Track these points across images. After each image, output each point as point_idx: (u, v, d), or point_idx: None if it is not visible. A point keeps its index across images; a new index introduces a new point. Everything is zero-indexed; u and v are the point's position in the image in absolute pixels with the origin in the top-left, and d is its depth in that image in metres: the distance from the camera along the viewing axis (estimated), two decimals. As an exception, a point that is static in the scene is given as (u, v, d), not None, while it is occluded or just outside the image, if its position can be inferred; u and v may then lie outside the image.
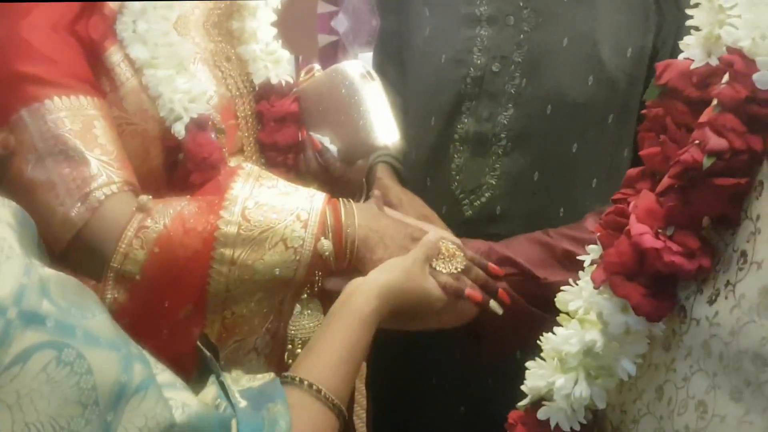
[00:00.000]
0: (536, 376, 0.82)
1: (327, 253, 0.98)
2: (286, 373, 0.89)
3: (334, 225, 1.00)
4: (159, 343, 0.94)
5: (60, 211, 0.95)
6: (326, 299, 1.04)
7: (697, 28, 0.71)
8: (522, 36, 1.21)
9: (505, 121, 1.23)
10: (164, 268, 0.94)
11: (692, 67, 0.69)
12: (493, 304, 1.03)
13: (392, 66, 1.41)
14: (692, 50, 0.70)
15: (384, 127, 1.12)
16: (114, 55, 1.04)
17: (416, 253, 1.00)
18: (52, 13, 0.98)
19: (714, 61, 0.68)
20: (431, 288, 1.01)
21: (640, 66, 1.18)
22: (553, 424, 0.79)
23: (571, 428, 0.78)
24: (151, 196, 0.98)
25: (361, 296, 0.94)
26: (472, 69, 1.24)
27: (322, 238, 0.98)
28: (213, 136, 1.07)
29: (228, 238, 0.95)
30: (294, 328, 1.03)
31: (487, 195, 1.26)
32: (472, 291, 1.03)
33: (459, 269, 1.04)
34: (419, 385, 1.37)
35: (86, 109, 0.98)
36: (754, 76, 0.61)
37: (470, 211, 1.27)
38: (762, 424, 0.61)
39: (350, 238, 1.01)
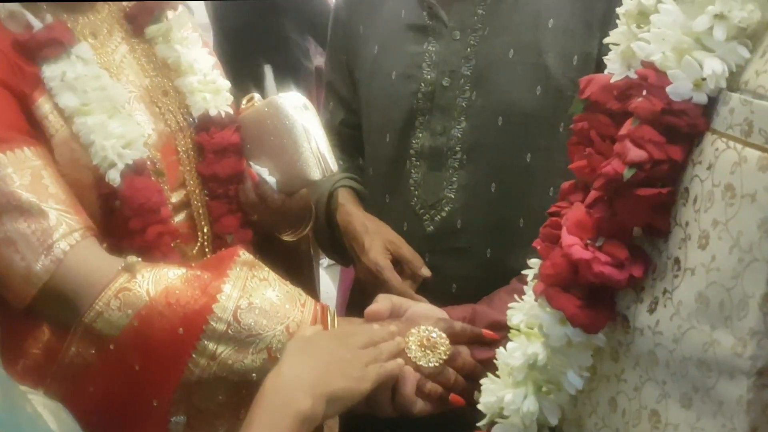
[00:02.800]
0: (489, 392, 0.82)
1: None
2: None
3: None
4: (120, 418, 0.95)
5: (21, 267, 0.94)
6: None
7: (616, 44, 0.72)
8: (469, 50, 1.22)
9: (458, 134, 1.23)
10: (141, 342, 0.92)
11: (612, 80, 0.71)
12: (477, 396, 0.92)
13: (343, 83, 1.41)
14: (612, 65, 0.72)
15: (320, 160, 1.12)
16: (43, 107, 1.02)
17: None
18: None
19: (633, 75, 0.69)
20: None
21: (586, 72, 1.16)
22: (507, 442, 0.79)
23: (526, 446, 0.78)
24: (140, 259, 0.97)
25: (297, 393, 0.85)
26: (422, 84, 1.25)
27: None
28: (151, 179, 1.05)
29: (215, 334, 0.94)
30: None
31: (446, 209, 1.26)
32: (456, 397, 0.99)
33: (443, 360, 1.00)
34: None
35: (31, 160, 0.97)
36: (668, 89, 0.62)
37: (431, 227, 1.27)
38: (714, 429, 0.62)
39: None
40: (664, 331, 0.65)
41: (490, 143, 1.22)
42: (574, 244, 0.68)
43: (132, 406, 0.95)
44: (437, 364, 1.00)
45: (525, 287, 0.84)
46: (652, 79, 0.63)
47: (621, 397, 0.73)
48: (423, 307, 1.10)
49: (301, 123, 1.12)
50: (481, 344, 1.03)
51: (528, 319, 0.77)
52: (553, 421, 0.79)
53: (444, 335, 1.02)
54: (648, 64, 0.64)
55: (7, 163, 0.94)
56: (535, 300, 0.75)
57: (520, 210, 1.24)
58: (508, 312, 0.84)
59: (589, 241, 0.68)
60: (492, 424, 0.83)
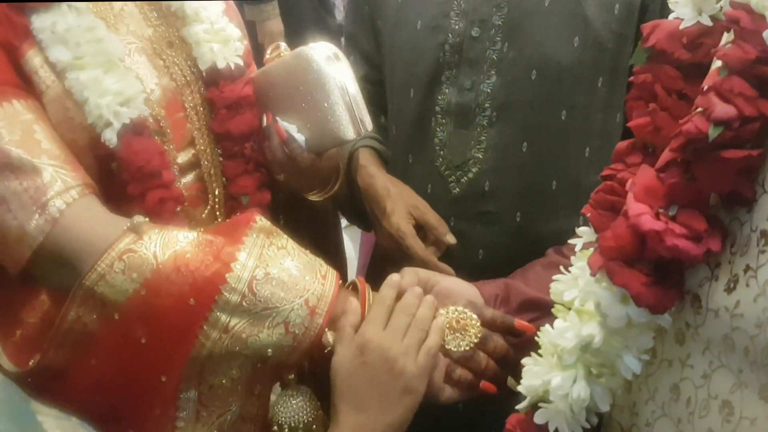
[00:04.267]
0: (532, 374, 0.75)
1: (330, 348, 0.92)
2: None
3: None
4: (126, 394, 0.90)
5: (14, 227, 0.87)
6: (316, 382, 0.99)
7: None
8: None
9: (488, 90, 1.14)
10: (148, 311, 0.86)
11: (682, 27, 0.63)
12: (511, 382, 0.88)
13: (365, 36, 1.32)
14: (681, 9, 0.63)
15: (354, 117, 1.02)
16: (32, 60, 0.94)
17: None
18: None
19: (705, 20, 0.61)
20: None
21: (628, 23, 1.10)
22: (552, 429, 0.72)
23: (572, 433, 0.71)
24: (147, 219, 0.91)
25: None
26: (450, 35, 1.16)
27: (327, 331, 0.93)
28: (152, 139, 0.97)
29: (228, 305, 0.88)
30: (282, 413, 0.96)
31: (474, 170, 1.17)
32: (487, 384, 0.95)
33: (473, 343, 0.95)
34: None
35: (22, 114, 0.90)
36: (765, 33, 0.53)
37: (457, 189, 1.19)
38: (801, 427, 0.55)
39: None
40: (746, 314, 0.57)
41: (523, 100, 1.13)
42: (642, 213, 0.59)
43: (138, 381, 0.90)
44: (467, 348, 0.95)
45: (572, 258, 0.76)
46: (746, 22, 0.54)
47: (686, 384, 0.65)
48: (452, 281, 1.03)
49: (333, 76, 1.01)
50: (513, 335, 0.97)
51: (582, 296, 0.69)
52: (604, 408, 0.72)
53: (475, 316, 0.96)
54: (739, 5, 0.55)
55: None
56: (592, 275, 0.66)
57: (553, 172, 1.16)
58: (554, 285, 0.76)
59: (660, 210, 0.59)
60: (534, 407, 0.75)
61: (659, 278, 0.62)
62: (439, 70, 1.17)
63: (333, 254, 1.00)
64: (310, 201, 1.17)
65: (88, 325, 0.87)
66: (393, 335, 0.91)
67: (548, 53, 1.11)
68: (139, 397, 0.90)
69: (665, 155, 0.60)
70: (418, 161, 1.23)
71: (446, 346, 0.94)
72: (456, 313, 0.96)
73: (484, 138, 1.16)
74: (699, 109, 0.57)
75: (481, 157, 1.16)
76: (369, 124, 1.04)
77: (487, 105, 1.15)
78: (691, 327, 0.64)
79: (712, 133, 0.55)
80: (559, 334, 0.71)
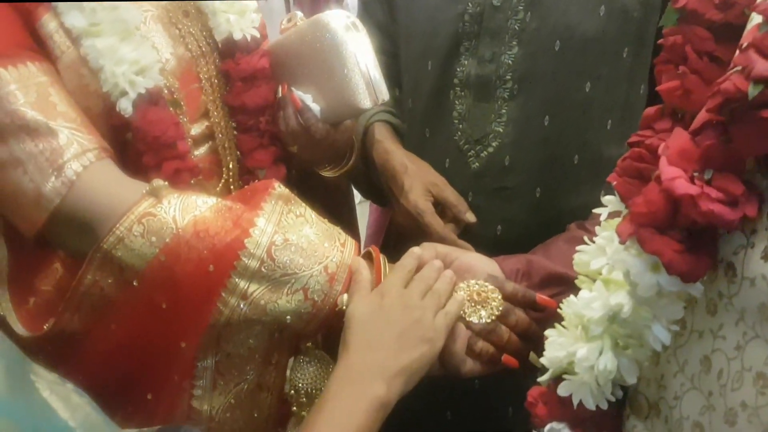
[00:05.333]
0: (556, 346, 0.73)
1: (344, 306, 0.91)
2: None
3: None
4: (145, 359, 0.90)
5: (30, 189, 0.86)
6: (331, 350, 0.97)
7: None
8: None
9: (509, 61, 1.11)
10: (168, 277, 0.85)
11: (713, -14, 0.60)
12: (533, 357, 0.87)
13: (380, 5, 1.29)
14: (714, -33, 0.60)
15: (371, 86, 1.00)
16: (48, 24, 0.92)
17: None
18: None
19: (739, -21, 0.58)
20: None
21: None
22: (576, 402, 0.70)
23: (597, 406, 0.69)
24: (167, 183, 0.90)
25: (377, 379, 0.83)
26: (470, 4, 1.13)
27: (345, 294, 0.91)
28: (168, 110, 0.96)
29: (246, 271, 0.86)
30: (299, 379, 0.96)
31: (494, 144, 1.15)
32: (509, 358, 0.93)
33: (495, 315, 0.93)
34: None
35: (37, 76, 0.89)
36: (810, -16, 0.51)
37: (477, 163, 1.16)
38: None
39: None
40: (784, 282, 0.55)
41: (545, 71, 1.10)
42: (677, 177, 0.57)
43: (157, 348, 0.89)
44: (489, 320, 0.93)
45: (597, 228, 0.73)
46: (789, -27, 0.51)
47: (717, 356, 0.63)
48: (472, 257, 1.00)
49: (350, 44, 1.00)
50: (535, 309, 0.95)
51: (610, 265, 0.67)
52: (631, 380, 0.70)
53: (496, 289, 0.94)
54: (782, -44, 0.53)
55: (9, 80, 0.86)
56: (621, 243, 0.64)
57: (575, 146, 1.14)
58: (578, 256, 0.74)
59: (695, 174, 0.57)
60: (556, 380, 0.73)
61: (692, 245, 0.60)
62: (457, 40, 1.14)
63: (346, 231, 0.98)
64: (324, 178, 1.15)
65: (105, 289, 0.86)
66: (412, 294, 0.90)
67: (572, 23, 1.08)
68: (157, 363, 0.89)
69: (701, 116, 0.58)
70: (436, 135, 1.20)
71: (467, 318, 0.92)
72: (477, 286, 0.94)
73: (504, 111, 1.13)
74: (737, 68, 0.54)
75: (501, 131, 1.14)
76: (386, 93, 1.01)
77: (508, 77, 1.12)
78: (724, 296, 0.61)
79: (752, 91, 0.52)
80: (585, 305, 0.69)
